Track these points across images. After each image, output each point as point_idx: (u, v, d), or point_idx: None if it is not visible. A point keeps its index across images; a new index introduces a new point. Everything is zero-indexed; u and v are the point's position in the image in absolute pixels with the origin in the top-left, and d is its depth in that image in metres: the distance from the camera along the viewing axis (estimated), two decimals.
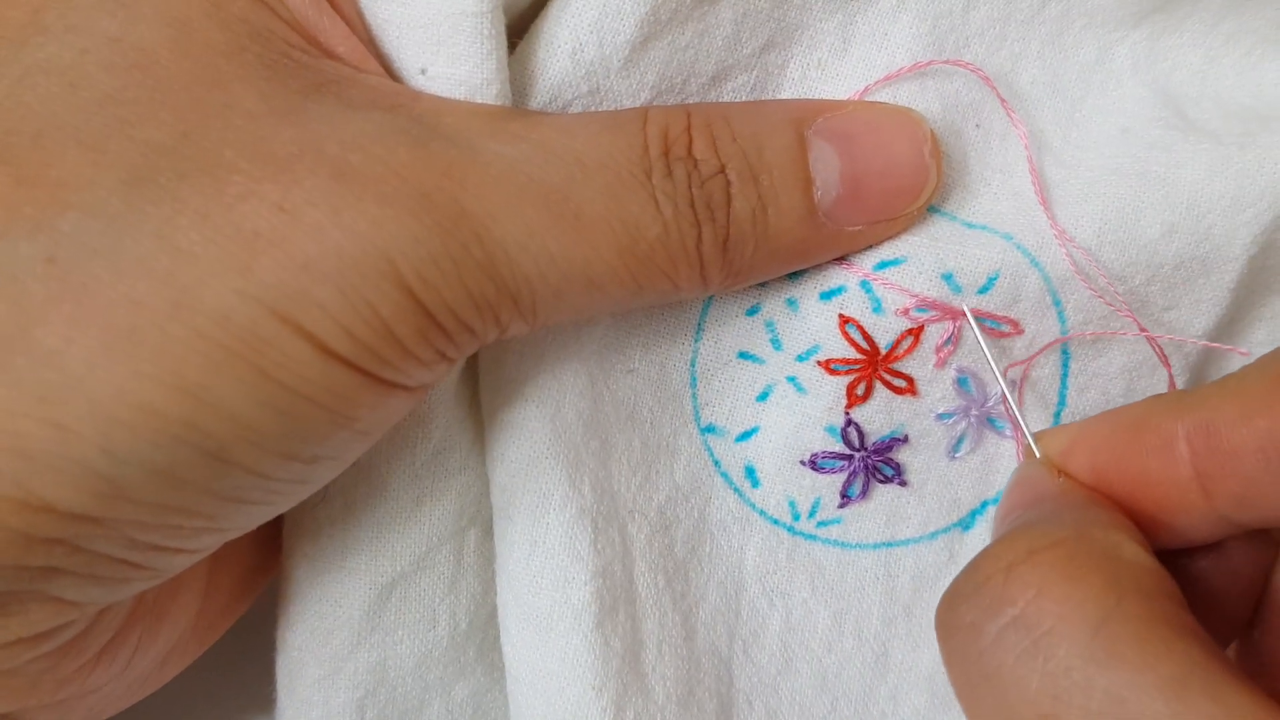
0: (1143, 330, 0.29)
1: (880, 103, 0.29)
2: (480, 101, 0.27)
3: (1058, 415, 0.30)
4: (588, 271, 0.25)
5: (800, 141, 0.27)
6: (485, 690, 0.32)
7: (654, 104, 0.28)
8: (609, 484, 0.30)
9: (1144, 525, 0.25)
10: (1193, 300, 0.30)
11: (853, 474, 0.30)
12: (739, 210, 0.26)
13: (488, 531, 0.31)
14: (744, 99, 0.30)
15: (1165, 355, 0.30)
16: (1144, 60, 0.31)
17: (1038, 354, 0.30)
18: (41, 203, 0.22)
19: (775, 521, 0.31)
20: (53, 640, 0.24)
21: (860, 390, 0.30)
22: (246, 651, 0.33)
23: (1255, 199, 0.29)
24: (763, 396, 0.31)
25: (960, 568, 0.27)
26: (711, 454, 0.31)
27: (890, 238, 0.29)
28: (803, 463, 0.30)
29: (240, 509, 0.24)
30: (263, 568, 0.32)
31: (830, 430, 0.30)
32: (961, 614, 0.22)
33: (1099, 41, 0.31)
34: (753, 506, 0.31)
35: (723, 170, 0.26)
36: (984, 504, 0.31)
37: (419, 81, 0.27)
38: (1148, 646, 0.20)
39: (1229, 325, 0.31)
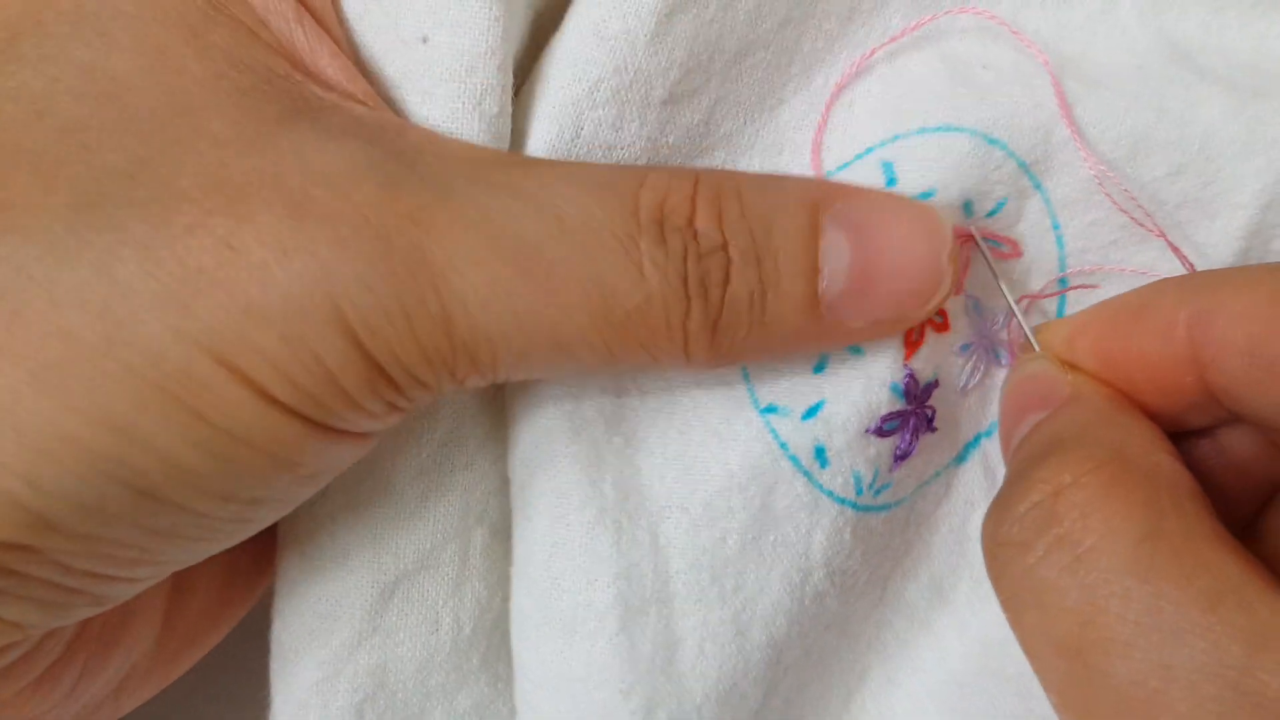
0: (1170, 243, 0.29)
1: (904, 196, 0.27)
2: (480, 75, 0.26)
3: None
4: (555, 335, 0.24)
5: (814, 226, 0.25)
6: (489, 701, 0.31)
7: (682, 83, 0.27)
8: (636, 481, 0.29)
9: (1145, 408, 0.26)
10: (1196, 243, 0.29)
11: (907, 434, 0.29)
12: (736, 291, 0.25)
13: (495, 532, 0.30)
14: (762, 75, 0.29)
15: (1193, 266, 0.29)
16: (1150, 9, 0.30)
17: (1047, 289, 0.30)
18: None
19: (842, 500, 0.29)
20: None
21: (916, 334, 0.28)
22: (235, 655, 0.32)
23: (1266, 147, 0.28)
24: (819, 368, 0.29)
25: (955, 500, 0.31)
26: (777, 436, 0.29)
27: (888, 336, 0.28)
28: (869, 431, 0.29)
29: (178, 543, 0.24)
30: (236, 597, 0.32)
31: (894, 388, 0.28)
32: (1011, 533, 0.23)
33: None
34: (820, 488, 0.29)
35: (725, 247, 0.24)
36: (977, 437, 0.31)
37: (419, 51, 0.26)
38: (1185, 560, 0.21)
39: None
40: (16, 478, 0.21)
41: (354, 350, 0.22)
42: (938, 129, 0.28)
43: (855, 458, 0.29)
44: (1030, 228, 0.29)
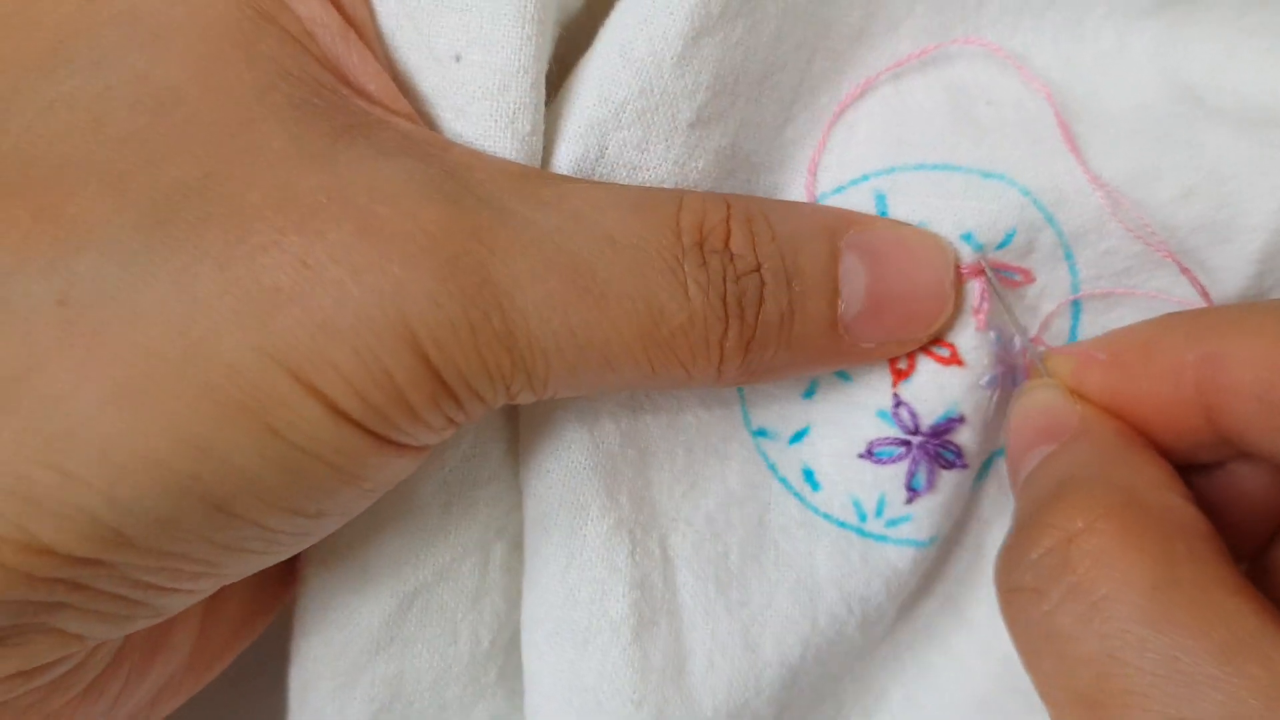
0: (1182, 266, 0.29)
1: (912, 225, 0.28)
2: (513, 94, 0.26)
3: None
4: (606, 351, 0.24)
5: (834, 251, 0.27)
6: (506, 716, 0.32)
7: (709, 106, 0.27)
8: (648, 493, 0.29)
9: (1154, 443, 0.26)
10: (1210, 268, 0.29)
11: (914, 463, 0.29)
12: (769, 312, 0.26)
13: (514, 546, 0.31)
14: (780, 96, 0.29)
15: (1206, 291, 0.29)
16: (1163, 50, 0.30)
17: (1059, 312, 0.30)
18: (57, 240, 0.21)
19: (842, 524, 0.30)
20: (49, 674, 0.24)
21: (903, 364, 0.29)
22: (255, 662, 0.32)
23: (1279, 168, 0.28)
24: (809, 393, 0.30)
25: (969, 519, 0.31)
26: (766, 458, 0.31)
27: (894, 356, 0.29)
28: (860, 456, 0.30)
29: (241, 557, 0.24)
30: (265, 605, 0.32)
31: (882, 415, 0.29)
32: (1025, 579, 0.23)
33: (1118, 30, 0.30)
34: (815, 510, 0.30)
35: (758, 269, 0.26)
36: (993, 455, 0.31)
37: (452, 69, 0.26)
38: (1201, 610, 0.21)
39: (1256, 299, 0.30)
40: (97, 494, 0.21)
41: (422, 366, 0.23)
42: (935, 167, 0.29)
43: (851, 483, 0.30)
44: (1043, 258, 0.29)
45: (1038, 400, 0.28)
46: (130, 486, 0.21)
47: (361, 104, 0.25)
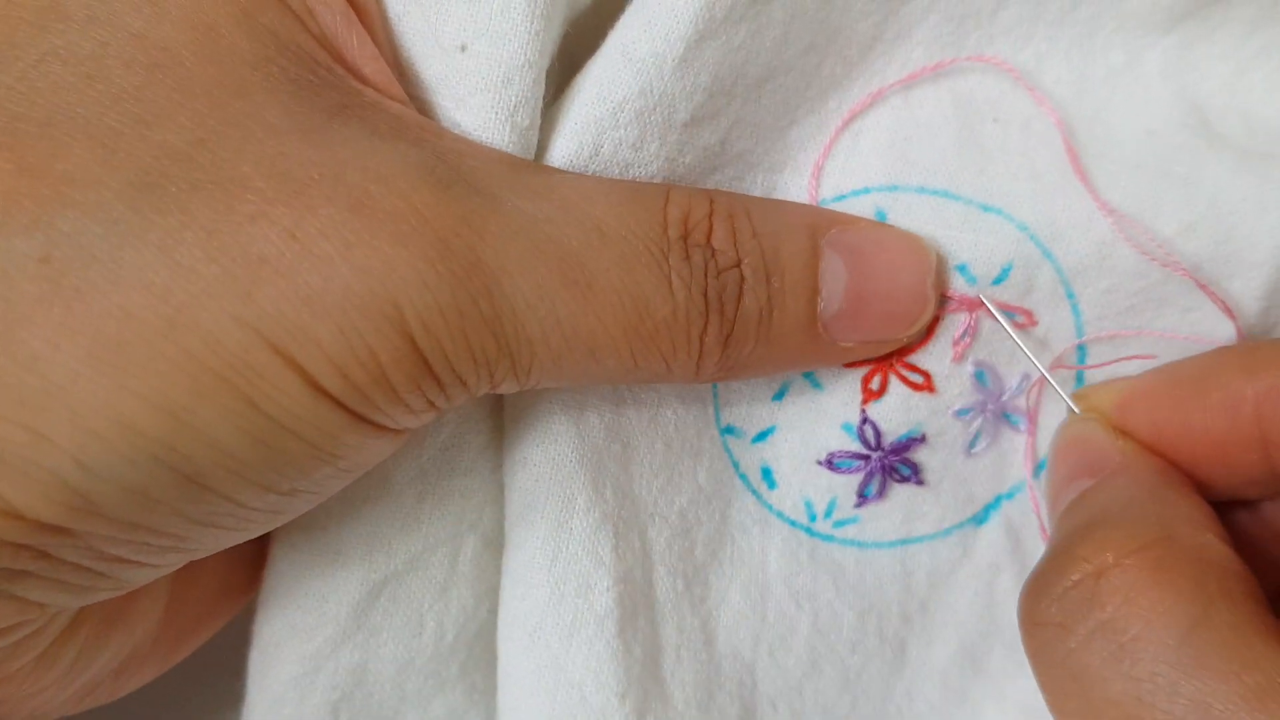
0: (1202, 286, 0.28)
1: (893, 226, 0.29)
2: (516, 87, 0.26)
3: None
4: (591, 342, 0.25)
5: (815, 249, 0.27)
6: (463, 711, 0.31)
7: (705, 107, 0.27)
8: (630, 487, 0.29)
9: (1199, 480, 0.26)
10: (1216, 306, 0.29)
11: (869, 474, 0.30)
12: (748, 308, 0.26)
13: (487, 543, 0.31)
14: (781, 98, 0.29)
15: (1231, 310, 0.29)
16: (1173, 67, 0.30)
17: (1066, 356, 0.30)
18: (43, 197, 0.21)
19: (793, 523, 0.31)
20: (5, 638, 0.23)
21: (875, 384, 0.30)
22: (212, 645, 0.32)
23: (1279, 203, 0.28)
24: (779, 395, 0.30)
25: (974, 562, 0.31)
26: (730, 455, 0.31)
27: (873, 356, 0.29)
28: (819, 463, 0.30)
29: (211, 533, 0.24)
30: (237, 586, 0.32)
31: (847, 428, 0.30)
32: (1050, 613, 0.23)
33: (1129, 46, 0.30)
34: (770, 508, 0.31)
35: (739, 265, 0.26)
36: (998, 499, 0.31)
37: (457, 58, 0.26)
38: (1233, 654, 0.21)
39: (1261, 337, 0.30)
40: (66, 457, 0.20)
41: (406, 346, 0.22)
42: (935, 193, 0.29)
43: (806, 485, 0.30)
44: (1044, 297, 0.29)
45: (1078, 433, 0.27)
46: (101, 451, 0.21)
47: (356, 85, 0.25)
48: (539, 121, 0.27)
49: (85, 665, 0.27)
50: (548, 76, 0.28)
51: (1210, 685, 0.20)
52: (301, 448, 0.22)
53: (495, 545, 0.31)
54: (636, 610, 0.29)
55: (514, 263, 0.23)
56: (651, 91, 0.27)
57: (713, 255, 0.26)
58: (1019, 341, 0.29)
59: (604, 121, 0.27)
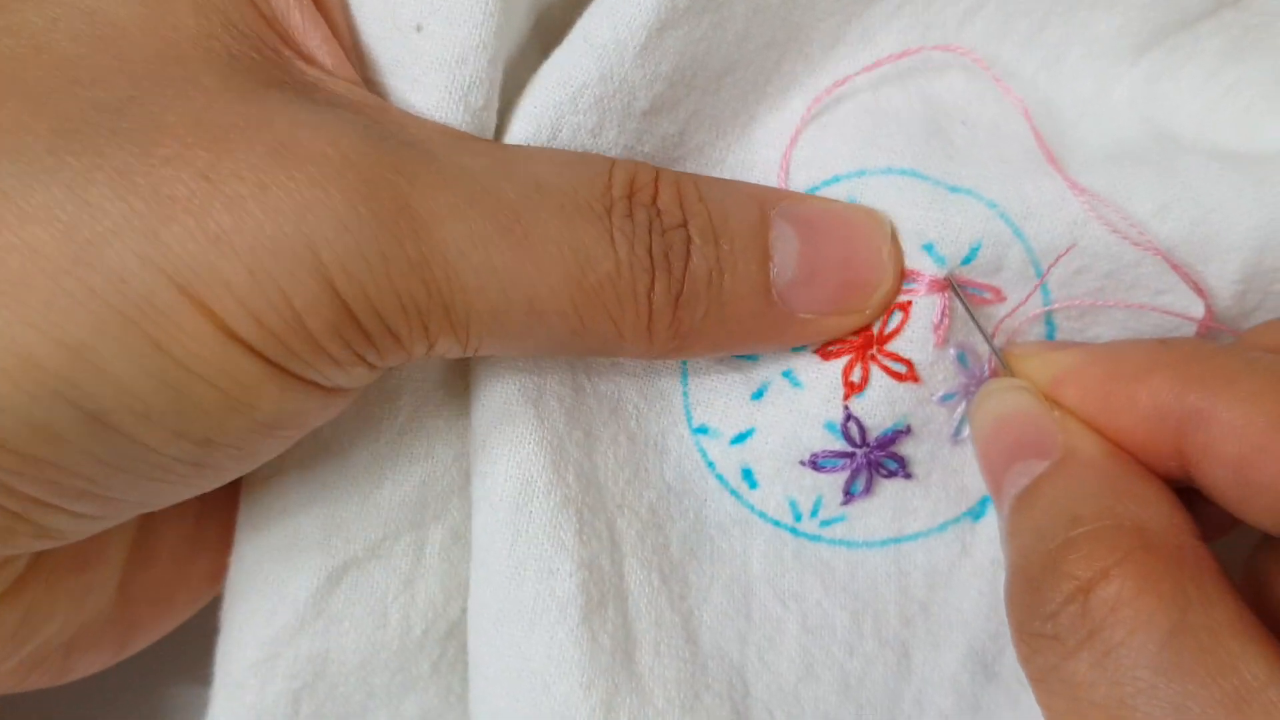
0: (1175, 267, 0.28)
1: (844, 202, 0.29)
2: (470, 67, 0.26)
3: None
4: (530, 294, 0.24)
5: (764, 218, 0.27)
6: (439, 714, 0.31)
7: (664, 96, 0.28)
8: (595, 476, 0.29)
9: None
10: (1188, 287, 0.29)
11: (855, 471, 0.29)
12: (696, 267, 0.26)
13: (456, 537, 0.30)
14: (740, 92, 0.29)
15: (1203, 290, 0.28)
16: (1142, 100, 0.30)
17: (1020, 309, 0.29)
18: None
19: (777, 523, 0.30)
20: None
21: (856, 376, 0.29)
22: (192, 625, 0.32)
23: (1254, 186, 0.28)
24: (758, 395, 0.30)
25: (974, 560, 0.30)
26: (705, 456, 0.30)
27: (839, 334, 0.29)
28: (803, 463, 0.30)
29: (126, 479, 0.23)
30: (199, 576, 0.32)
31: (830, 427, 0.29)
32: (1045, 629, 0.23)
33: (1097, 76, 0.30)
34: (752, 509, 0.30)
35: (685, 225, 0.26)
36: None
37: (413, 38, 0.27)
38: (1212, 658, 0.21)
39: (1236, 321, 0.29)
40: None
41: (325, 291, 0.22)
42: (903, 172, 0.29)
43: (789, 485, 0.30)
44: (1012, 276, 0.29)
45: (1010, 405, 0.27)
46: (2, 384, 0.21)
47: (301, 65, 0.26)
48: (495, 103, 0.28)
49: (30, 633, 0.27)
50: (514, 67, 0.29)
51: (1188, 688, 0.21)
52: (212, 394, 0.22)
53: (465, 540, 0.30)
54: (605, 600, 0.28)
55: (445, 208, 0.23)
56: (612, 78, 0.27)
57: (658, 215, 0.26)
58: (975, 317, 0.28)
59: (563, 106, 0.27)
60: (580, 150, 0.28)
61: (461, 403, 0.30)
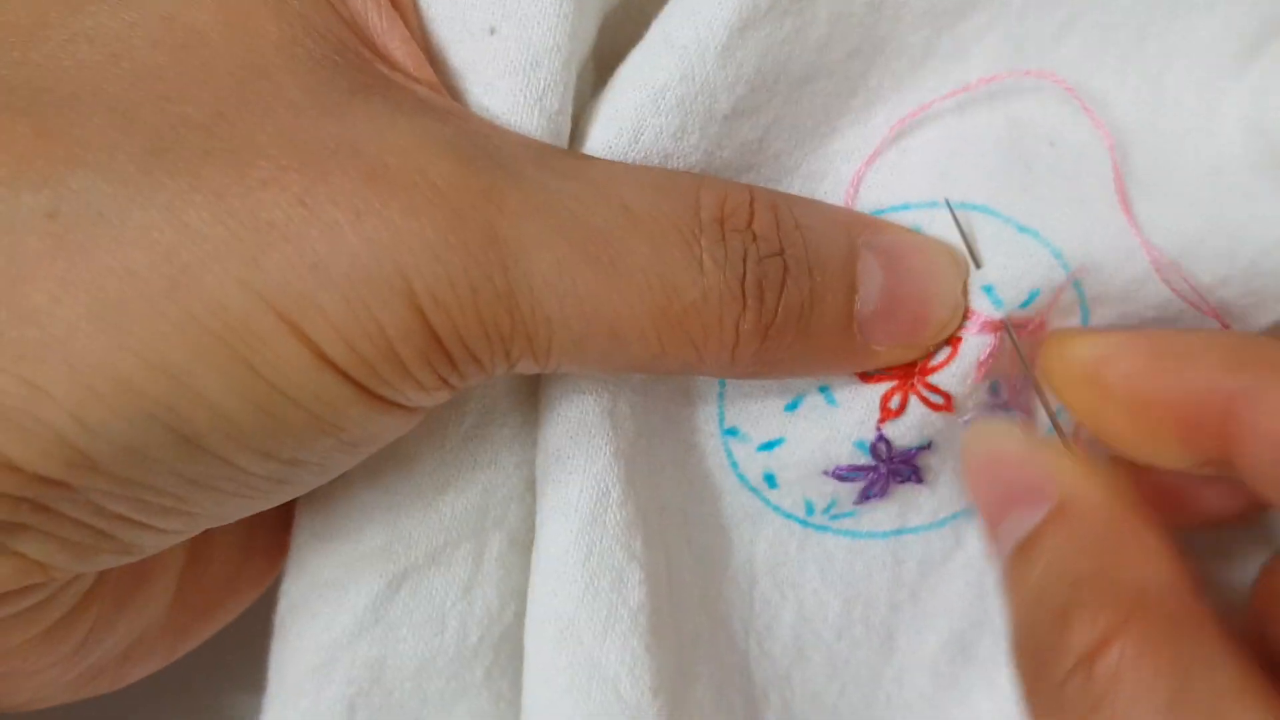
0: (1223, 323, 0.29)
1: (925, 235, 0.29)
2: (544, 70, 0.26)
3: None
4: (614, 323, 0.24)
5: (853, 248, 0.27)
6: (489, 719, 0.31)
7: (746, 99, 0.28)
8: (651, 478, 0.30)
9: (1152, 446, 0.27)
10: None
11: (874, 480, 0.30)
12: (791, 298, 0.26)
13: (514, 542, 0.30)
14: (822, 102, 0.29)
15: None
16: (1252, 113, 0.30)
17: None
18: (56, 157, 0.22)
19: (788, 515, 0.31)
20: (9, 605, 0.24)
21: (894, 404, 0.29)
22: (240, 629, 0.32)
23: None
24: (791, 406, 0.30)
25: (967, 552, 0.32)
26: (730, 456, 0.31)
27: (897, 364, 0.29)
28: (825, 473, 0.30)
29: (213, 497, 0.24)
30: (252, 575, 0.32)
31: (860, 445, 0.30)
32: (1052, 701, 0.24)
33: (1201, 90, 0.30)
34: (767, 502, 0.31)
35: (781, 253, 0.26)
36: None
37: (486, 42, 0.27)
38: None
39: None
40: (64, 413, 0.21)
41: (416, 320, 0.23)
42: (975, 208, 0.29)
43: (808, 488, 0.30)
44: (1059, 313, 0.29)
45: (1004, 447, 0.27)
46: (98, 408, 0.21)
47: (383, 68, 0.26)
48: (570, 107, 0.27)
49: (93, 646, 0.27)
50: (587, 68, 0.28)
51: None
52: (303, 417, 0.23)
53: (522, 545, 0.31)
54: (661, 605, 0.29)
55: (533, 238, 0.23)
56: (693, 78, 0.27)
57: (754, 240, 0.25)
58: (1024, 361, 0.29)
59: (644, 108, 0.27)
60: (663, 153, 0.27)
61: (528, 409, 0.30)
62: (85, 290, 0.21)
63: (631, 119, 0.27)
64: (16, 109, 0.22)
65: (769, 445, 0.30)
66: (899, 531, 0.31)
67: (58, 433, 0.21)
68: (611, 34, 0.30)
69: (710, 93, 0.27)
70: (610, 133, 0.27)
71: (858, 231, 0.27)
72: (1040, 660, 0.24)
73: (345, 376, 0.22)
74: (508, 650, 0.30)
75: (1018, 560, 0.26)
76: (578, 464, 0.28)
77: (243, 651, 0.31)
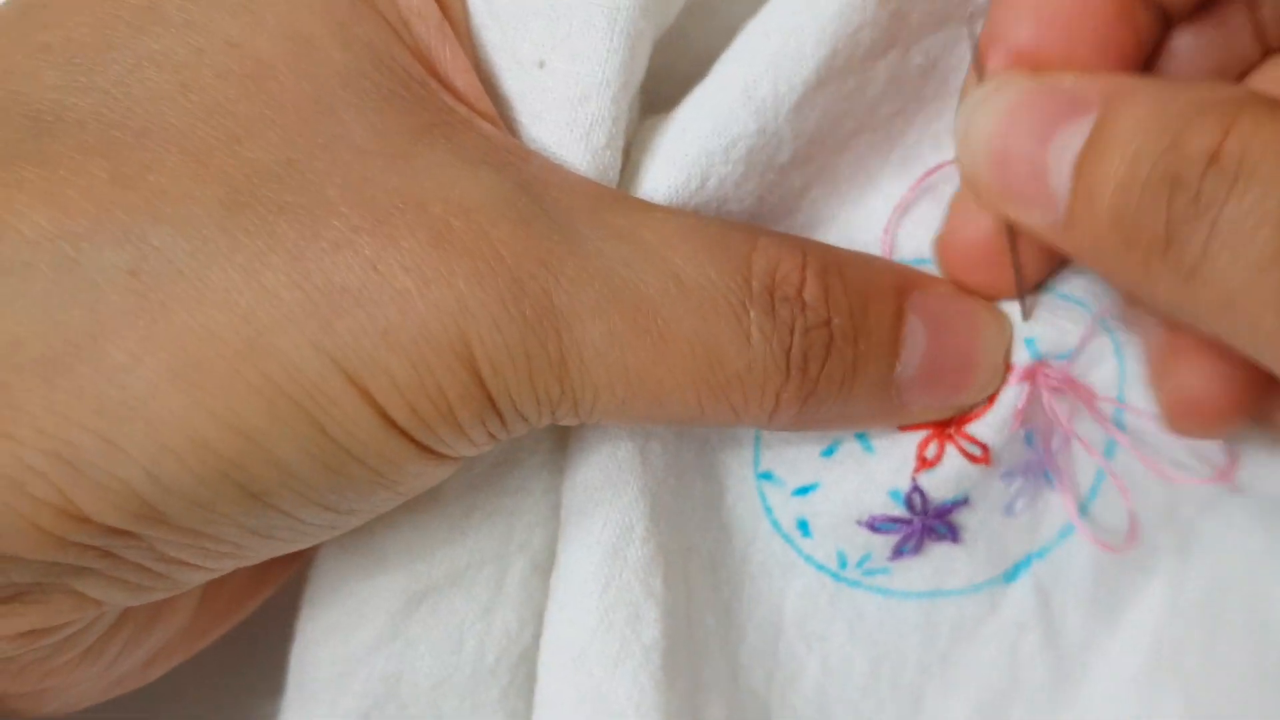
0: None
1: (975, 296, 0.29)
2: (593, 105, 0.27)
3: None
4: (658, 391, 0.25)
5: (900, 311, 0.27)
6: None
7: (804, 150, 0.28)
8: (678, 519, 0.30)
9: None
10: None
11: (909, 535, 0.31)
12: (833, 369, 0.26)
13: (535, 567, 0.31)
14: (864, 153, 0.30)
15: None
16: None
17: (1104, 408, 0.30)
18: (135, 208, 0.22)
19: (821, 568, 0.31)
20: (58, 634, 0.24)
21: (931, 453, 0.30)
22: (257, 635, 0.33)
23: None
24: (828, 452, 0.31)
25: (1000, 618, 0.31)
26: (764, 500, 0.31)
27: (934, 420, 0.29)
28: (859, 523, 0.30)
29: (267, 544, 0.25)
30: (266, 577, 0.33)
31: (894, 495, 0.30)
32: (1184, 212, 0.22)
33: None
34: (800, 553, 0.31)
35: (829, 323, 0.26)
36: (1029, 557, 0.31)
37: (535, 74, 0.27)
38: None
39: None
40: (138, 469, 0.21)
41: (475, 385, 0.23)
42: None
43: (842, 539, 0.31)
44: (1091, 360, 0.29)
45: (1017, 90, 0.25)
46: (172, 465, 0.21)
47: (448, 100, 0.26)
48: (619, 142, 0.28)
49: (127, 658, 0.28)
50: (635, 99, 0.29)
51: None
52: (365, 474, 0.23)
53: (544, 571, 0.31)
54: (677, 644, 0.29)
55: (587, 308, 0.24)
56: (766, 131, 0.28)
57: (802, 309, 0.26)
58: (1053, 413, 0.29)
59: (715, 155, 0.28)
60: (721, 198, 0.28)
61: (558, 436, 0.31)
62: (165, 350, 0.21)
63: (702, 165, 0.28)
64: (89, 147, 0.22)
65: (804, 490, 0.31)
66: (934, 594, 0.31)
67: (131, 487, 0.21)
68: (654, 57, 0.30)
69: (776, 145, 0.28)
70: (678, 178, 0.28)
71: (906, 292, 0.28)
72: (1151, 199, 0.22)
73: (406, 435, 0.23)
74: (524, 672, 0.31)
75: (1088, 161, 0.23)
76: (604, 496, 0.29)
77: (260, 655, 0.31)
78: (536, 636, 0.31)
